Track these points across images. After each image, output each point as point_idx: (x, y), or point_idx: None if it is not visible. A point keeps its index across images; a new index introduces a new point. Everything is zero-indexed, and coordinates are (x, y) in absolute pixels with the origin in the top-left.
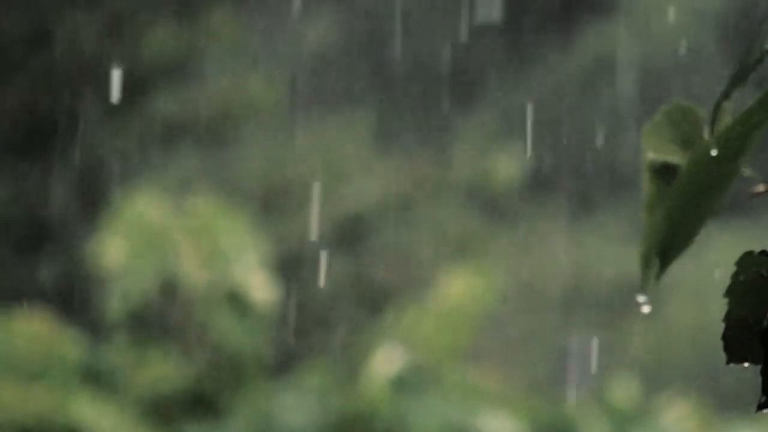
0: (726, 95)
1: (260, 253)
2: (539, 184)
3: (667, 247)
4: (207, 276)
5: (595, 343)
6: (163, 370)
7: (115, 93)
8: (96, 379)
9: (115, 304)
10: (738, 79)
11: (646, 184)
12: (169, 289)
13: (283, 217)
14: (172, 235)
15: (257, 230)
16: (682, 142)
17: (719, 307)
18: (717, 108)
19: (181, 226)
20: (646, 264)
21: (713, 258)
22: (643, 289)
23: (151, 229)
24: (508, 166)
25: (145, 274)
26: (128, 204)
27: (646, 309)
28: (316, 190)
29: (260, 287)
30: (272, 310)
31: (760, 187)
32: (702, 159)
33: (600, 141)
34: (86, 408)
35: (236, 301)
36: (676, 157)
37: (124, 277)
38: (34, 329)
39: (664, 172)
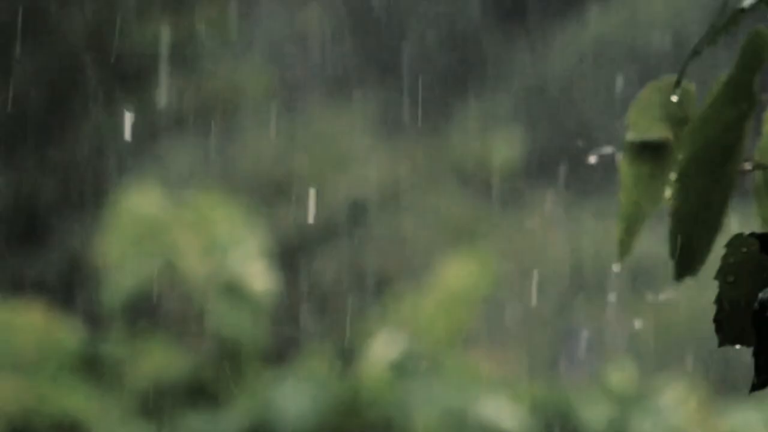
0: (697, 52)
1: (258, 242)
2: (537, 168)
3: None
4: (205, 266)
5: (593, 326)
6: (162, 361)
7: (110, 84)
8: (94, 369)
9: (112, 295)
10: (709, 38)
11: (623, 165)
12: (168, 280)
13: (282, 205)
14: (171, 227)
15: (256, 218)
16: (669, 118)
17: (717, 289)
18: (686, 63)
19: (179, 217)
20: (623, 237)
21: (717, 241)
22: (619, 260)
23: (150, 221)
24: (506, 150)
25: (144, 266)
26: (126, 196)
27: (662, 296)
28: (315, 177)
29: (258, 276)
30: (270, 298)
31: (747, 165)
32: (707, 119)
33: (597, 125)
34: (83, 398)
35: (234, 290)
36: (662, 133)
37: (122, 268)
38: (31, 320)
39: (644, 152)
